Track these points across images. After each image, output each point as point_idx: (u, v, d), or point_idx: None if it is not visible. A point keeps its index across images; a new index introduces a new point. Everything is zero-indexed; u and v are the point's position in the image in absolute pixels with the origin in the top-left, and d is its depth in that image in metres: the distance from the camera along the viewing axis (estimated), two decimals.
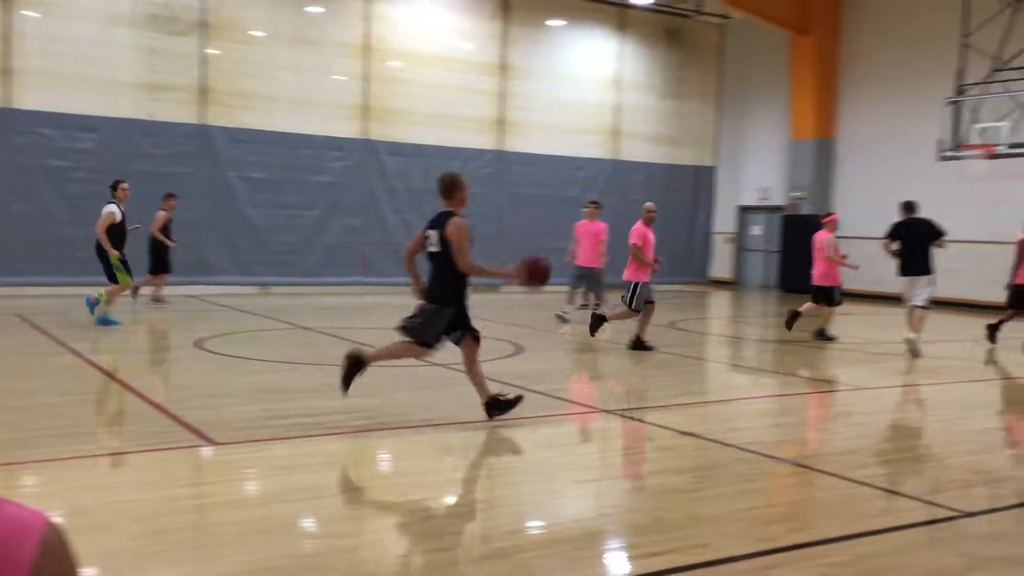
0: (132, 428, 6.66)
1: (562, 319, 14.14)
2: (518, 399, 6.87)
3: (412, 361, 9.71)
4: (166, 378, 9.18)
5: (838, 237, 13.26)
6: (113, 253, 11.48)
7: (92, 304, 11.63)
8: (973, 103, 16.95)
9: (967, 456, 6.64)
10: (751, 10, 21.03)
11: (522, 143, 20.28)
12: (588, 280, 14.33)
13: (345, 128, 18.21)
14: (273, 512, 4.63)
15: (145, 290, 14.55)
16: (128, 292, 12.73)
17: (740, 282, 24.78)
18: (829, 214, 13.38)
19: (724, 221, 24.34)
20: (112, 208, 11.66)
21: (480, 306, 16.63)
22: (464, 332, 6.87)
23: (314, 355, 10.48)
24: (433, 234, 6.76)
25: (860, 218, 21.69)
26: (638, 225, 11.46)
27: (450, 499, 5.15)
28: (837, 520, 4.83)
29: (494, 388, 7.04)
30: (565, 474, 5.65)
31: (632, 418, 7.29)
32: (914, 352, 11.22)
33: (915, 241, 11.71)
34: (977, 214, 18.25)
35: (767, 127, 23.75)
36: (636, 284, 11.19)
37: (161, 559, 3.97)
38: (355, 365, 6.73)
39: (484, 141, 19.81)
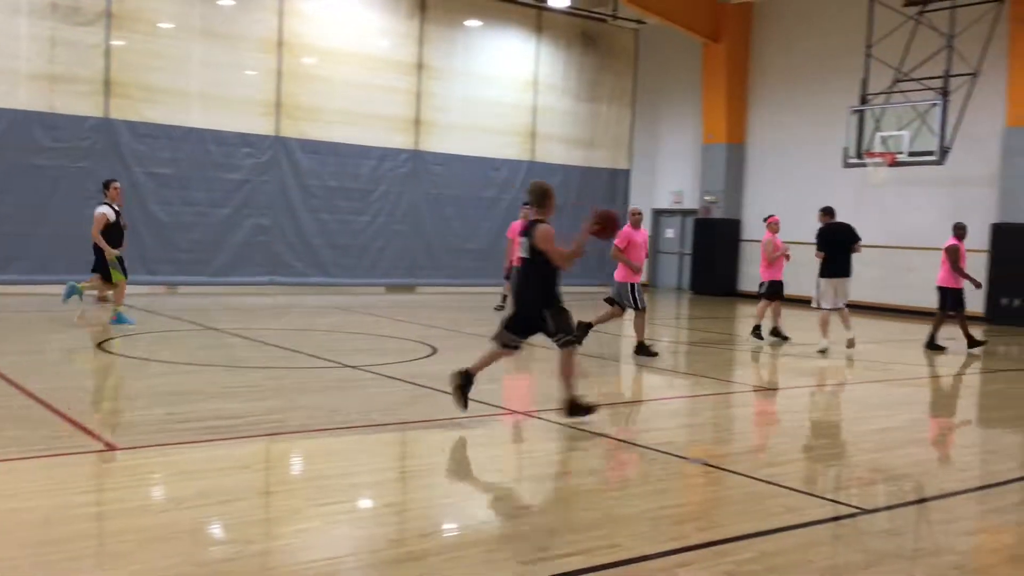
0: (28, 433, 6.38)
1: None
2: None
3: (318, 363, 9.59)
4: (66, 380, 8.83)
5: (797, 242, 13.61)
6: (111, 252, 11.52)
7: (69, 295, 11.90)
8: (876, 112, 17.54)
9: (869, 454, 6.86)
10: (665, 16, 21.38)
11: (439, 143, 20.20)
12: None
13: (257, 125, 17.83)
14: (178, 518, 4.50)
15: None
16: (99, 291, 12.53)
17: (654, 284, 25.16)
18: (770, 215, 13.82)
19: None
20: (105, 209, 11.67)
21: (397, 307, 16.55)
22: (525, 338, 7.11)
23: (222, 357, 10.23)
24: (524, 241, 6.93)
25: None
26: (624, 228, 11.43)
27: (360, 503, 5.07)
28: (744, 518, 4.93)
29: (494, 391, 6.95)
30: (478, 476, 5.63)
31: (545, 420, 7.31)
32: (851, 344, 12.02)
33: (838, 245, 12.30)
34: (879, 219, 18.91)
35: (680, 131, 24.18)
36: (631, 285, 11.21)
37: (60, 568, 3.81)
38: (464, 382, 6.95)
39: (400, 140, 19.66)
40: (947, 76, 16.62)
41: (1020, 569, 4.43)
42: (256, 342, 11.05)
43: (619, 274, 11.30)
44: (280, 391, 8.07)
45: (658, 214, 25.12)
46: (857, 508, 5.26)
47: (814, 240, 12.62)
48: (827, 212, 12.66)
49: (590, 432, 6.82)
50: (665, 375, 10.90)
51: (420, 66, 19.74)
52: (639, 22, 22.78)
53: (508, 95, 21.26)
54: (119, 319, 11.64)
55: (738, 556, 4.29)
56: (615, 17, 22.46)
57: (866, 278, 17.80)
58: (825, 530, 4.85)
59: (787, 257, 13.39)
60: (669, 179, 24.64)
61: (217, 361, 9.81)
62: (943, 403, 9.84)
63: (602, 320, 11.51)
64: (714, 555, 4.30)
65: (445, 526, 4.72)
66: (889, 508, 5.34)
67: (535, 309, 6.86)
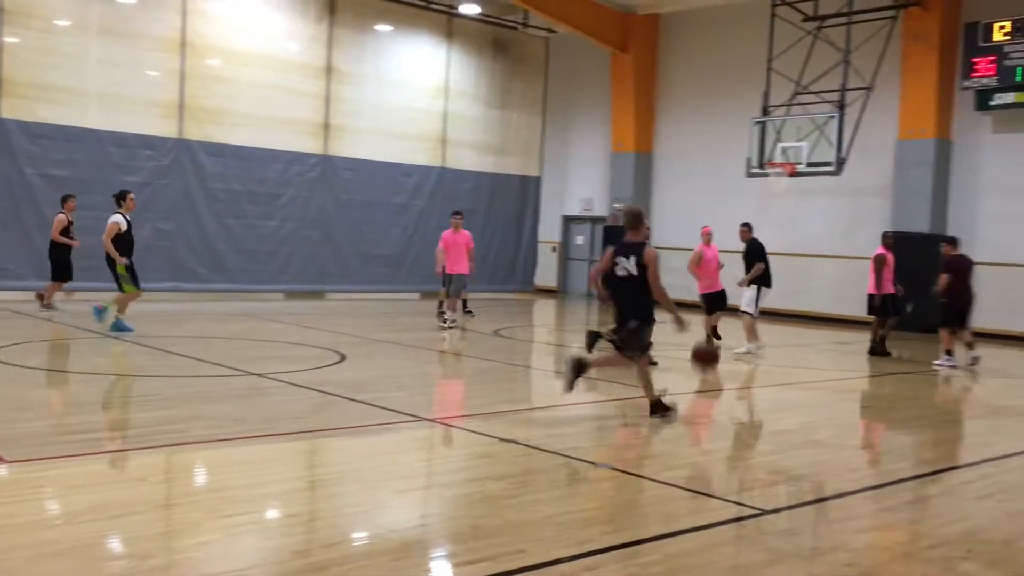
0: None
1: (448, 324, 14.55)
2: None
3: (223, 371, 9.37)
4: None
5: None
6: (121, 261, 11.67)
7: (99, 312, 11.83)
8: (777, 123, 18.07)
9: (770, 456, 7.05)
10: (574, 25, 21.64)
11: (348, 148, 19.98)
12: (455, 284, 14.83)
13: (158, 126, 17.32)
14: (71, 533, 4.32)
15: (58, 295, 14.49)
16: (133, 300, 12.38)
17: (564, 290, 25.39)
18: (704, 227, 14.19)
19: (549, 230, 24.88)
20: (118, 218, 11.81)
21: (305, 314, 16.29)
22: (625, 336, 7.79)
23: (120, 366, 9.90)
24: (625, 260, 7.68)
25: (675, 230, 22.72)
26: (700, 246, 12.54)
27: (264, 513, 4.96)
28: (650, 521, 5.00)
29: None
30: (385, 484, 5.57)
31: (454, 426, 7.29)
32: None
33: (765, 258, 13.09)
34: (780, 228, 19.47)
35: (590, 139, 24.48)
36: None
37: None
38: (578, 368, 7.54)
39: (309, 145, 19.37)
40: (843, 90, 17.24)
41: (911, 566, 4.60)
42: (157, 350, 10.73)
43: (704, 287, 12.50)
44: (182, 400, 7.84)
45: (568, 221, 25.37)
46: (759, 509, 5.39)
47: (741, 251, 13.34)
48: (751, 227, 13.36)
49: (498, 438, 6.83)
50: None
51: (329, 70, 19.51)
52: (549, 31, 23.00)
53: (419, 101, 21.19)
54: (117, 325, 11.69)
55: (644, 559, 4.34)
56: (526, 25, 22.62)
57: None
58: (728, 531, 4.95)
59: (720, 265, 13.79)
60: (579, 186, 24.92)
61: (115, 370, 9.48)
62: (839, 406, 10.16)
63: None
64: (620, 558, 4.34)
65: (351, 535, 4.66)
66: (789, 508, 5.49)
67: (629, 317, 7.71)
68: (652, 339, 7.94)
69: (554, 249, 25.35)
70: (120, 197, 12.05)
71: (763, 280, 12.99)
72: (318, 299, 19.83)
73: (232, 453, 6.18)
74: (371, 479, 5.69)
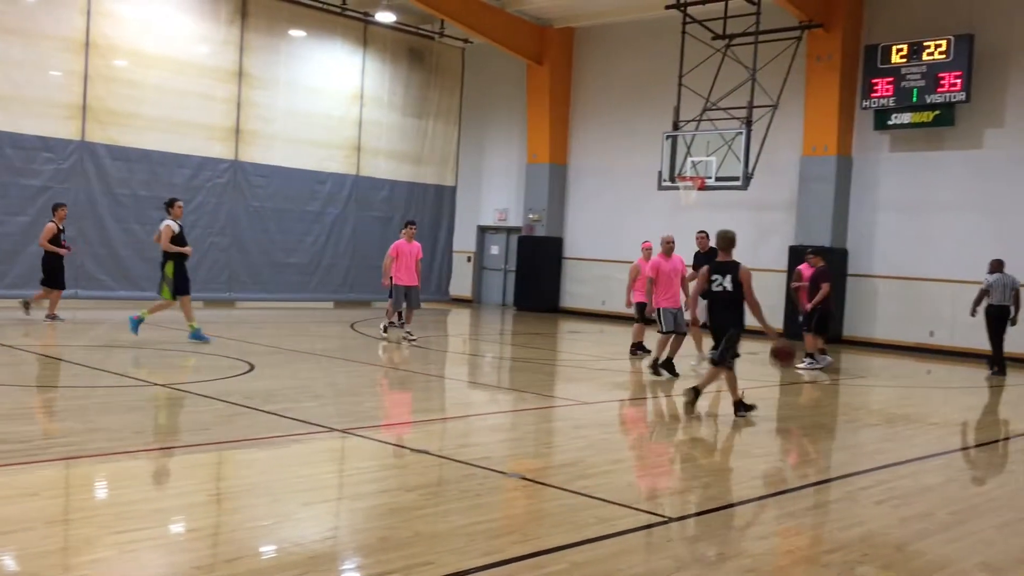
0: None
1: (408, 339, 14.13)
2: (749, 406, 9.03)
3: (125, 382, 9.09)
4: None
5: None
6: (184, 250, 12.30)
7: (135, 323, 12.23)
8: (687, 138, 18.46)
9: (678, 464, 7.16)
10: (490, 36, 21.73)
11: (261, 154, 19.61)
12: (409, 297, 14.36)
13: (60, 128, 16.72)
14: None
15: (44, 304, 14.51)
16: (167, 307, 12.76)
17: (479, 300, 25.41)
18: (644, 241, 14.47)
19: (464, 240, 24.88)
20: (170, 222, 12.29)
21: (214, 322, 15.90)
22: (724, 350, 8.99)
23: (12, 376, 9.50)
24: (721, 278, 8.81)
25: (588, 242, 23.00)
26: (656, 258, 12.31)
27: (165, 528, 4.81)
28: (558, 530, 5.02)
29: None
30: (292, 496, 5.47)
31: (365, 437, 7.21)
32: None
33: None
34: (690, 240, 19.83)
35: (506, 150, 24.60)
36: (657, 310, 11.90)
37: None
38: (695, 393, 9.02)
39: (219, 150, 18.94)
40: (751, 107, 17.72)
41: (811, 570, 4.72)
42: (55, 360, 10.34)
43: (637, 297, 12.23)
44: (80, 412, 7.57)
45: (483, 231, 25.42)
46: (666, 517, 5.47)
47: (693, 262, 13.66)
48: (706, 235, 13.50)
49: (410, 449, 6.78)
50: (487, 390, 11.01)
51: (241, 74, 19.13)
52: (466, 41, 23.03)
53: (334, 108, 20.95)
54: (133, 326, 12.15)
55: (550, 568, 4.36)
56: (442, 35, 22.62)
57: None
58: (635, 539, 5.01)
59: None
60: (494, 196, 25.00)
61: (7, 380, 9.09)
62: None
63: (673, 346, 12.01)
64: (527, 568, 4.35)
65: (256, 550, 4.55)
66: (696, 515, 5.59)
67: (727, 327, 8.83)
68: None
69: (469, 259, 25.36)
70: (168, 204, 12.55)
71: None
72: (228, 307, 19.40)
73: (131, 466, 5.99)
74: (278, 491, 5.58)
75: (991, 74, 17.11)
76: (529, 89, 23.22)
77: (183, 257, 12.40)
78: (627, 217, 21.91)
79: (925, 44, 17.37)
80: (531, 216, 23.35)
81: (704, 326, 11.45)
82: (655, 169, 18.95)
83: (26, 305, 14.70)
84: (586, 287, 22.81)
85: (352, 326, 16.32)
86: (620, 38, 22.29)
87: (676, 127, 18.71)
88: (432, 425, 8.20)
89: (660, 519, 5.40)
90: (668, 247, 12.29)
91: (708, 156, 17.92)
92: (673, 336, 11.89)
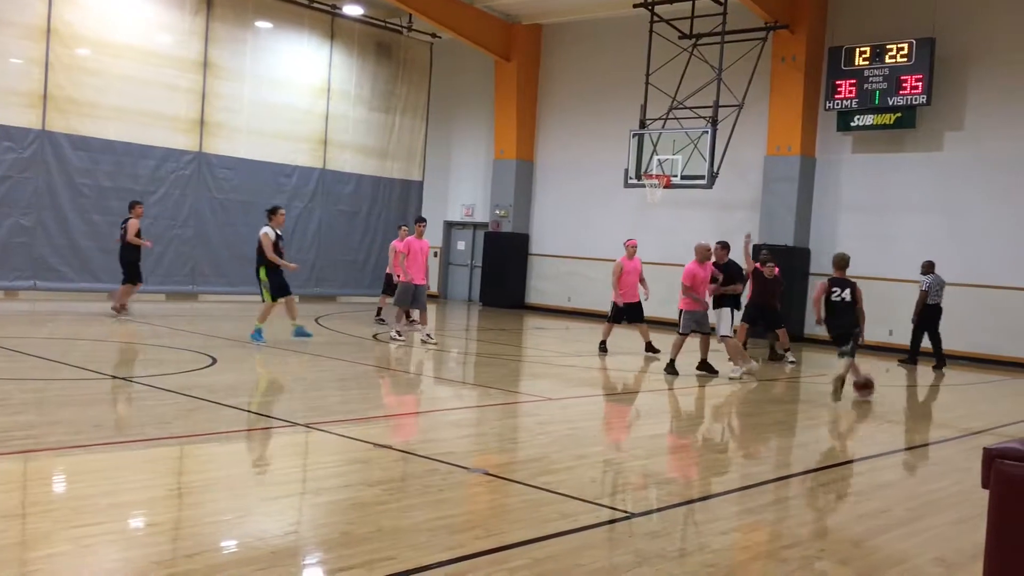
0: None
1: (428, 341, 14.02)
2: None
3: (84, 375, 8.97)
4: None
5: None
6: (287, 265, 12.75)
7: (257, 335, 12.44)
8: (654, 136, 18.55)
9: (640, 460, 7.21)
10: (458, 32, 21.69)
11: (226, 146, 19.42)
12: (417, 297, 14.14)
13: (19, 117, 16.44)
14: None
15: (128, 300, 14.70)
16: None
17: (445, 295, 25.37)
18: (629, 239, 14.59)
19: (431, 235, 24.74)
20: (268, 230, 12.57)
21: (176, 316, 15.74)
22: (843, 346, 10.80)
23: None
24: (840, 290, 10.75)
25: (555, 238, 23.05)
26: (690, 265, 12.37)
27: (123, 523, 4.76)
28: (520, 526, 5.04)
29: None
30: (253, 491, 5.43)
31: (328, 431, 7.18)
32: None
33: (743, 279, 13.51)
34: (656, 238, 20.00)
35: (473, 145, 24.57)
36: (680, 311, 12.48)
37: None
38: (840, 382, 10.57)
39: (183, 141, 18.73)
40: (716, 106, 17.85)
41: (770, 565, 4.78)
42: (12, 352, 10.17)
43: (682, 303, 12.41)
44: (38, 405, 7.46)
45: (449, 226, 25.38)
46: (628, 512, 5.51)
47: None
48: (725, 247, 13.16)
49: (373, 443, 6.76)
50: (452, 386, 11.00)
51: (206, 65, 18.93)
52: (434, 36, 22.97)
53: (300, 100, 20.80)
54: (256, 336, 12.36)
55: (512, 563, 4.37)
56: (410, 29, 22.53)
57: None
58: (597, 534, 5.04)
59: (641, 279, 14.35)
60: (461, 192, 24.96)
61: None
62: (709, 411, 10.50)
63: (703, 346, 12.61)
64: (489, 563, 4.36)
65: (217, 544, 4.51)
66: (658, 511, 5.63)
67: (852, 329, 10.70)
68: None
69: (436, 254, 25.30)
70: (272, 212, 12.89)
71: (735, 302, 12.74)
72: (191, 300, 19.20)
73: (90, 460, 5.91)
74: (239, 486, 5.54)
75: (951, 77, 17.38)
76: (497, 85, 23.20)
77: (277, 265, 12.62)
78: (593, 214, 21.98)
79: (887, 47, 17.61)
80: (498, 212, 23.35)
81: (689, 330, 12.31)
82: (621, 167, 19.02)
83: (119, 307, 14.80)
84: (552, 283, 22.86)
85: (317, 320, 16.21)
86: (588, 36, 22.35)
87: (643, 125, 18.79)
88: (396, 420, 8.19)
89: (622, 514, 5.43)
90: (706, 254, 12.40)
91: (674, 155, 18.03)
92: (700, 337, 12.42)
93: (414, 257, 14.01)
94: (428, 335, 14.15)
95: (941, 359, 15.33)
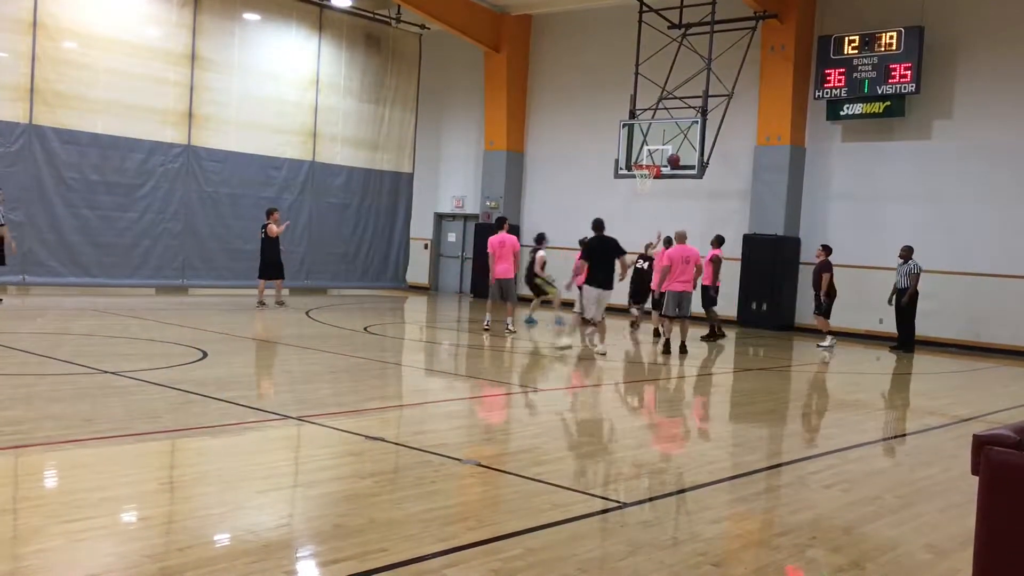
0: None
1: (509, 331, 14.68)
2: None
3: (74, 369, 8.94)
4: None
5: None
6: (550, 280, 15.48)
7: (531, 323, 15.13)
8: (644, 126, 18.55)
9: (631, 450, 7.23)
10: (447, 23, 21.62)
11: (215, 139, 19.34)
12: (505, 290, 14.88)
13: (6, 111, 16.33)
14: None
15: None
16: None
17: (436, 287, 25.35)
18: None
19: (422, 227, 24.78)
20: (543, 252, 15.75)
21: (166, 309, 15.69)
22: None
23: None
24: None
25: (545, 228, 22.96)
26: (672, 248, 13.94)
27: (115, 517, 4.75)
28: (513, 516, 5.05)
29: None
30: (246, 484, 5.43)
31: (320, 424, 7.18)
32: (602, 354, 12.59)
33: (604, 257, 12.67)
34: (646, 228, 19.96)
35: (463, 137, 24.52)
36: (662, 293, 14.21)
37: None
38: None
39: (172, 135, 18.64)
40: (706, 96, 17.85)
41: (761, 553, 4.80)
42: (1, 347, 10.12)
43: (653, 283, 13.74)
44: (27, 400, 7.43)
45: (440, 218, 25.34)
46: (620, 502, 5.53)
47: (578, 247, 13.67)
48: (597, 225, 13.02)
49: (365, 436, 6.76)
50: (444, 377, 11.01)
51: (194, 57, 18.83)
52: (423, 27, 22.89)
53: (289, 93, 20.72)
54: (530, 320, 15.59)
55: (505, 554, 4.38)
56: (399, 20, 22.45)
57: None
58: (589, 524, 5.06)
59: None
60: (452, 184, 24.92)
61: None
62: (697, 400, 10.53)
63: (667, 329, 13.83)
64: (482, 554, 4.37)
65: (209, 538, 4.51)
66: (650, 500, 5.64)
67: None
68: None
69: (426, 246, 25.27)
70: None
71: (588, 279, 13.23)
72: (181, 294, 19.14)
73: (81, 455, 5.90)
74: (232, 480, 5.54)
75: (940, 66, 17.42)
76: (486, 76, 23.15)
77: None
78: (584, 204, 21.94)
79: (876, 36, 17.63)
80: (489, 203, 23.32)
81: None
82: (612, 157, 19.02)
83: (277, 301, 16.61)
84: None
85: (307, 313, 16.19)
86: (577, 26, 22.31)
87: (633, 115, 18.79)
88: (388, 412, 8.19)
89: (614, 504, 5.45)
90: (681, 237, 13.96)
91: (664, 144, 18.03)
92: (679, 320, 13.70)
93: (503, 253, 14.88)
94: (508, 326, 14.82)
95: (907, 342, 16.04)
